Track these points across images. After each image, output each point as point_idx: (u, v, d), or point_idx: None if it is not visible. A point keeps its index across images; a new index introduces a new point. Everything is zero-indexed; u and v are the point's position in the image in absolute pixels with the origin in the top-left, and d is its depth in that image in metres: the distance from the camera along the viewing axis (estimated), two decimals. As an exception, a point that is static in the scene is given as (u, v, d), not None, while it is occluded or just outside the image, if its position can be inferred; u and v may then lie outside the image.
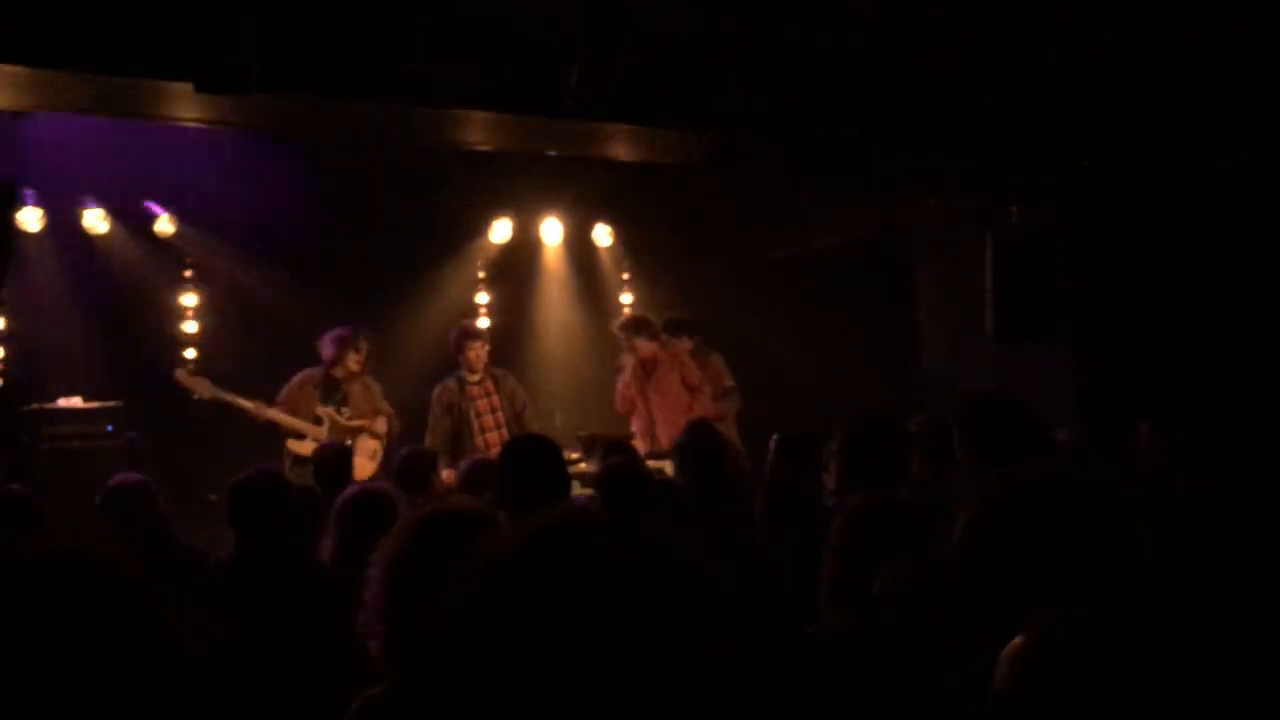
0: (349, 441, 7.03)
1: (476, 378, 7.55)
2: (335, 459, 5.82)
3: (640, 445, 7.23)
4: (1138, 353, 7.01)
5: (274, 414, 7.10)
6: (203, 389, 7.16)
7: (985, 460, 3.80)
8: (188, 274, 8.33)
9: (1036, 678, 1.54)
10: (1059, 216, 7.28)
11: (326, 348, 7.27)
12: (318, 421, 7.16)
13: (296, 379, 7.28)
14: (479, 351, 7.55)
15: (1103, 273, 7.28)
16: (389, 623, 1.99)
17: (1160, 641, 1.64)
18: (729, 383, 7.91)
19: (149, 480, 4.95)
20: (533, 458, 3.89)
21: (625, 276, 9.74)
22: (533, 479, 3.73)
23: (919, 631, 2.35)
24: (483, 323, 8.82)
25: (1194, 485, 3.68)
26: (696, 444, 4.58)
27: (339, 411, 7.25)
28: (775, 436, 4.73)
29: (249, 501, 3.87)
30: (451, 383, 7.53)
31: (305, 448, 6.94)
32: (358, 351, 7.28)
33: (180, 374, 7.26)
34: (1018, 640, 1.61)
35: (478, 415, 7.48)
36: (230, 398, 7.10)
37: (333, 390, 7.27)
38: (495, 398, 7.58)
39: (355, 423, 7.28)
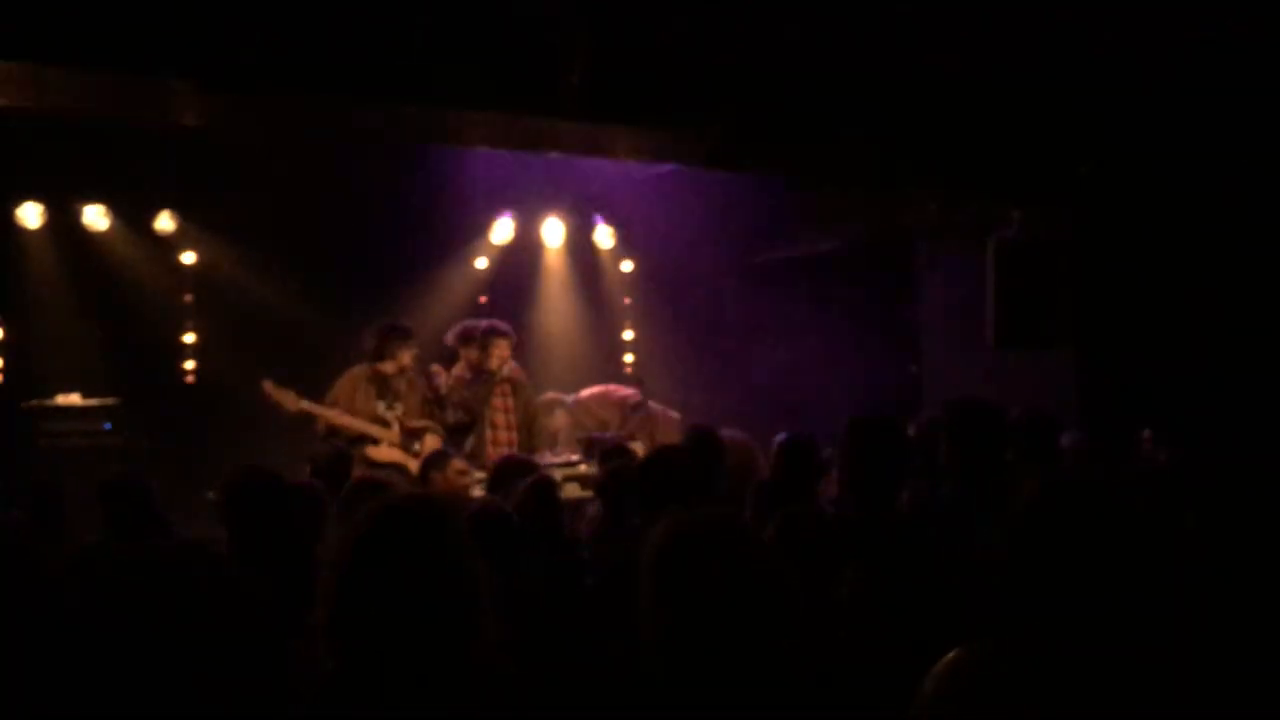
0: (416, 444, 6.85)
1: (501, 375, 7.47)
2: (334, 462, 5.77)
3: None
4: (1140, 358, 6.99)
5: (349, 420, 6.75)
6: (289, 402, 6.66)
7: (971, 468, 3.79)
8: (186, 275, 8.30)
9: (956, 697, 1.53)
10: (1061, 222, 7.26)
11: (380, 341, 6.91)
12: (383, 423, 6.88)
13: (346, 379, 6.89)
14: (502, 350, 7.40)
15: (1105, 278, 7.26)
16: (345, 624, 1.94)
17: (1105, 665, 1.63)
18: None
19: (146, 476, 4.93)
20: (675, 462, 3.96)
21: (626, 275, 9.74)
22: (674, 482, 3.79)
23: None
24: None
25: (1197, 493, 3.65)
26: (695, 446, 4.55)
27: (390, 408, 6.95)
28: (778, 438, 4.71)
29: (240, 500, 3.83)
30: (469, 375, 7.40)
31: (382, 453, 6.76)
32: (410, 346, 7.00)
33: (268, 386, 6.72)
34: (948, 657, 1.60)
35: (492, 413, 7.41)
36: (314, 409, 6.71)
37: (383, 388, 6.95)
38: (511, 400, 7.51)
39: (419, 423, 6.98)
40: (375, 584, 1.91)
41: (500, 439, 7.38)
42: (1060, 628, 1.75)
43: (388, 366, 6.90)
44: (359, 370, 6.93)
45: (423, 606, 1.90)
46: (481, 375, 7.37)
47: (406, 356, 6.96)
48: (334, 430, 6.72)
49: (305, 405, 6.68)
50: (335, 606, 1.93)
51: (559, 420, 7.76)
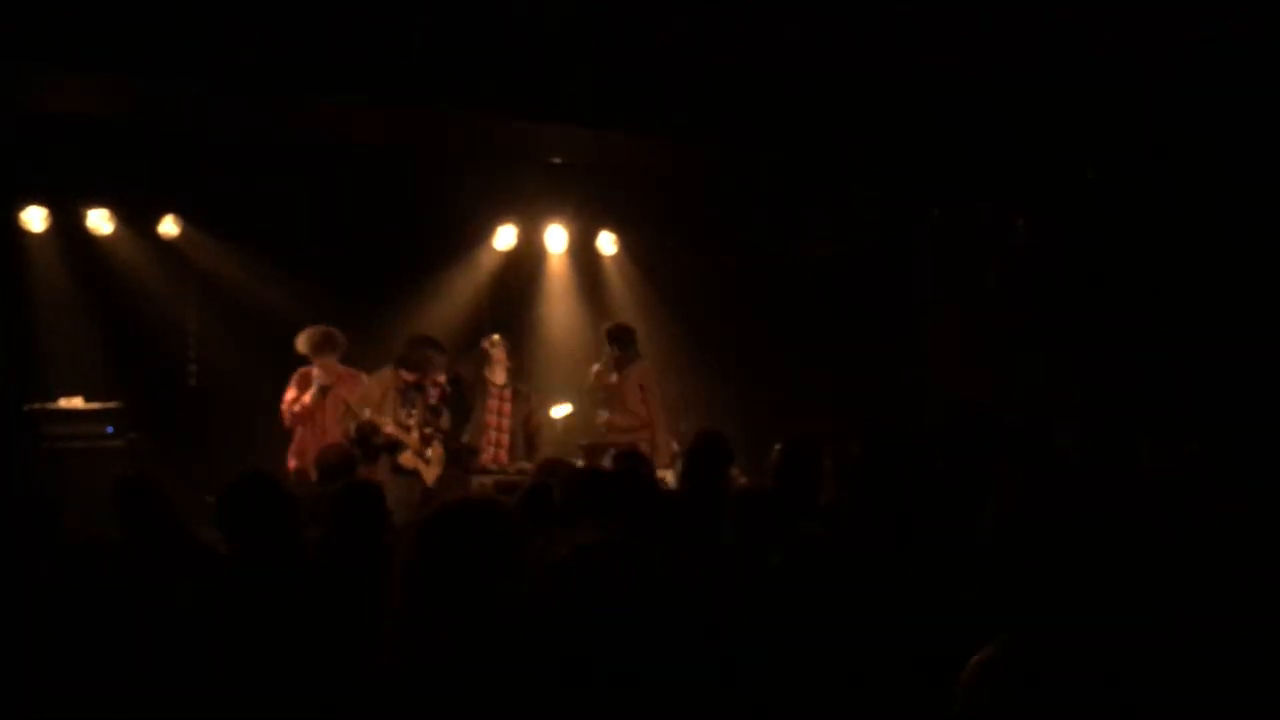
0: (428, 450, 6.92)
1: (500, 382, 7.48)
2: (338, 460, 5.77)
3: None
4: (1142, 360, 6.98)
5: (402, 435, 6.86)
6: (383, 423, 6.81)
7: (970, 471, 3.78)
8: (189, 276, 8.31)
9: (996, 685, 1.53)
10: (1064, 225, 7.26)
11: (414, 351, 6.98)
12: (404, 429, 6.91)
13: (376, 383, 6.95)
14: (493, 342, 7.51)
15: (1107, 280, 7.25)
16: (411, 622, 1.97)
17: (1133, 656, 1.62)
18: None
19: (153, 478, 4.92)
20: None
21: (628, 279, 9.73)
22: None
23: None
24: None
25: (1196, 493, 3.65)
26: (701, 451, 4.54)
27: (410, 415, 6.99)
28: (777, 444, 4.69)
29: (236, 505, 3.82)
30: (476, 366, 7.49)
31: (408, 459, 6.83)
32: (443, 359, 7.06)
33: (369, 413, 6.84)
34: (987, 649, 1.60)
35: (485, 414, 7.42)
36: (395, 431, 6.81)
37: (407, 396, 6.98)
38: (508, 405, 7.52)
39: (427, 429, 7.03)
40: (443, 574, 1.99)
41: (490, 439, 7.45)
42: (1090, 625, 1.75)
43: (418, 376, 6.94)
44: (389, 375, 6.97)
45: (484, 594, 1.96)
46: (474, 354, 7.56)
47: (438, 370, 7.01)
48: (380, 436, 6.79)
49: (391, 430, 6.80)
50: (409, 597, 1.98)
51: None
